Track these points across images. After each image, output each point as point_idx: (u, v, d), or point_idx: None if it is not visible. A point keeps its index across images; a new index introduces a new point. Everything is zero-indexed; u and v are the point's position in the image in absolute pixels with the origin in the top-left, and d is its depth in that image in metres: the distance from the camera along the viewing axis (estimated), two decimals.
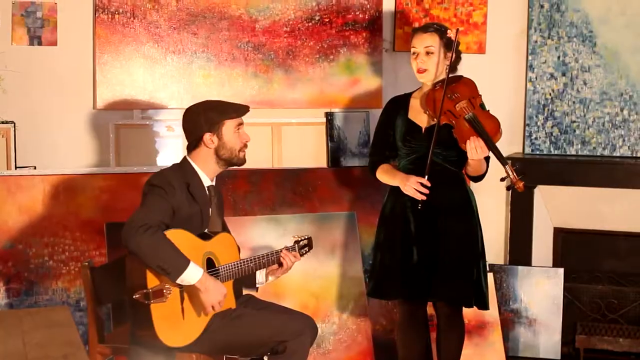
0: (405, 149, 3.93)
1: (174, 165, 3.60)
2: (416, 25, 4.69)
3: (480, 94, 3.87)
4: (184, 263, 3.26)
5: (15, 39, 4.44)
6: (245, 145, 3.59)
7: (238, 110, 3.56)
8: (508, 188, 3.86)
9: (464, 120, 3.78)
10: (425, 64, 3.88)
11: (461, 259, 3.85)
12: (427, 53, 3.88)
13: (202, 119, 3.49)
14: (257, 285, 3.73)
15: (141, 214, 3.30)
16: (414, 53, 3.93)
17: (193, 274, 3.28)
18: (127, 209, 4.22)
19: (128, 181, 4.35)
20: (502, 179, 3.77)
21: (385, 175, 3.98)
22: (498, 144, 3.78)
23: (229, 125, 3.52)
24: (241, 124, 3.57)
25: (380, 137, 4.07)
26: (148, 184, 3.43)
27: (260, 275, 3.71)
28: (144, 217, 3.28)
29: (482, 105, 3.87)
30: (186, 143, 3.60)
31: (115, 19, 4.51)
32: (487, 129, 3.76)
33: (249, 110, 3.59)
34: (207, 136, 3.50)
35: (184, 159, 3.58)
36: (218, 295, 3.35)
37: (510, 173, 3.73)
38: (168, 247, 3.26)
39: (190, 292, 3.36)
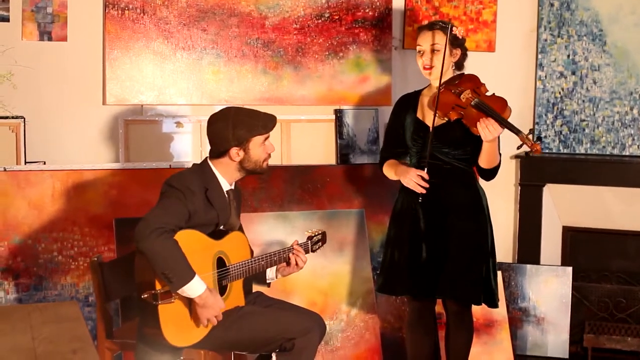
0: (414, 148, 3.94)
1: (194, 166, 3.56)
2: (425, 22, 4.69)
3: (483, 83, 3.84)
4: (189, 275, 3.21)
5: (25, 35, 4.44)
6: (269, 156, 3.55)
7: (266, 127, 3.48)
8: (526, 154, 3.89)
9: (471, 107, 3.76)
10: (431, 61, 3.87)
11: (470, 257, 3.85)
12: (433, 51, 3.87)
13: (230, 135, 3.42)
14: (267, 281, 3.72)
15: (158, 215, 3.24)
16: (419, 51, 3.92)
17: (195, 288, 3.24)
18: (136, 204, 4.23)
19: (137, 177, 4.35)
20: (519, 147, 3.71)
21: (389, 170, 3.99)
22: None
23: (256, 141, 3.47)
24: (268, 137, 3.51)
25: (391, 136, 4.07)
26: (167, 185, 3.38)
27: (270, 271, 3.69)
28: (161, 219, 3.22)
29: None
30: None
31: (125, 15, 4.52)
32: (494, 107, 3.72)
33: (276, 124, 3.53)
34: (233, 151, 3.45)
35: (205, 161, 3.53)
36: (215, 311, 3.32)
37: (524, 139, 3.68)
38: (178, 257, 3.20)
39: None
